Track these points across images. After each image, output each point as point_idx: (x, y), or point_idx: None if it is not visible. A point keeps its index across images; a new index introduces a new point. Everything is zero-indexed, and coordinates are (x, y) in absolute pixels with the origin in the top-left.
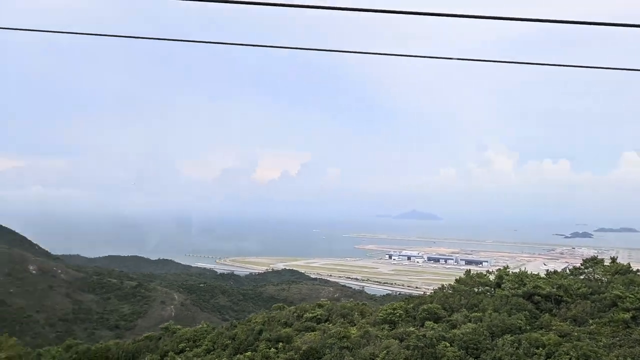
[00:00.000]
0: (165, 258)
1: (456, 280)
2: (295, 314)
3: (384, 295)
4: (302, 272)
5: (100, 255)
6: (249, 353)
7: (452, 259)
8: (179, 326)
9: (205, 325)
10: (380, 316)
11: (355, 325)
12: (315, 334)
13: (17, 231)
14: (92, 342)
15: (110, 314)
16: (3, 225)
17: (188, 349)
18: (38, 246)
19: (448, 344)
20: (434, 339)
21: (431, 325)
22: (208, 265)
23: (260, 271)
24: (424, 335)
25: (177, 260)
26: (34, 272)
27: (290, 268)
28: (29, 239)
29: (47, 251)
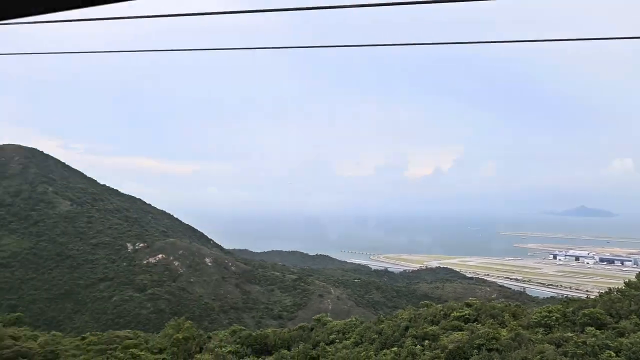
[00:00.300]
0: (323, 254)
1: (625, 283)
2: (442, 312)
3: (547, 298)
4: (457, 270)
5: (265, 250)
6: (395, 348)
7: (630, 261)
8: (329, 318)
9: (354, 319)
10: (534, 319)
11: (505, 327)
12: (462, 334)
13: (196, 227)
14: (257, 330)
15: (274, 305)
16: (185, 222)
17: (338, 340)
18: (213, 241)
19: (613, 354)
20: (596, 347)
21: (593, 332)
22: (362, 262)
23: (413, 268)
24: (584, 342)
25: (333, 256)
26: (209, 264)
27: (445, 266)
28: (205, 234)
29: (220, 245)
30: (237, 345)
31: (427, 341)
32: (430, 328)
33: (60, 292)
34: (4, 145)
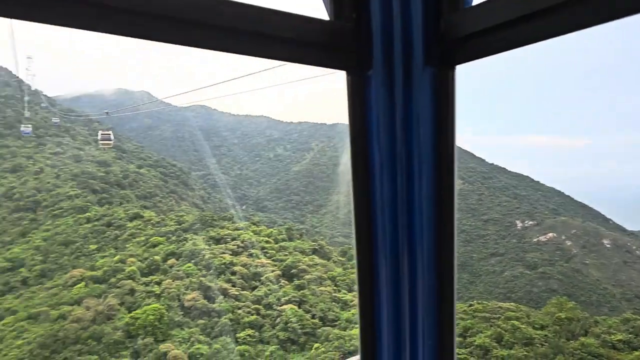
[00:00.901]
0: None
1: None
2: None
3: None
4: None
5: None
6: None
7: None
8: None
9: None
10: None
11: None
12: None
13: (591, 206)
14: None
15: None
16: (578, 200)
17: None
18: (612, 221)
19: None
20: None
21: None
22: None
23: None
24: None
25: None
26: (608, 246)
27: None
28: (603, 213)
29: (621, 226)
30: (629, 335)
31: None
32: None
33: (457, 263)
34: None
